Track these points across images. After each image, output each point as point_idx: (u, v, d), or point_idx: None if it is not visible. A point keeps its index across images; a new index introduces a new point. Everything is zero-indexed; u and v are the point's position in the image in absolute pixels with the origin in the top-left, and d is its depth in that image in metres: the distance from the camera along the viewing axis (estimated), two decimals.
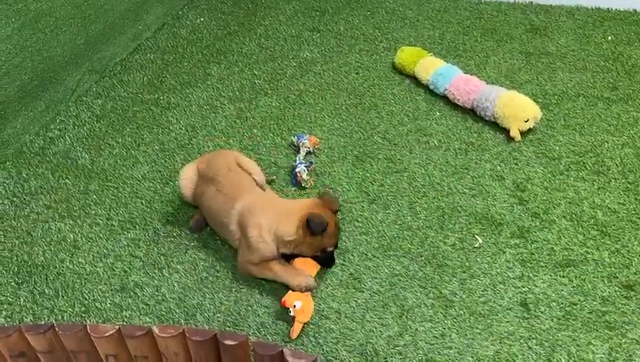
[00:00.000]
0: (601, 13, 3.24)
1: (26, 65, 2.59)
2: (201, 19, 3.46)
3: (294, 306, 1.80)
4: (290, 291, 1.86)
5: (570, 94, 2.71)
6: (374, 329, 1.84)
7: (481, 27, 3.21)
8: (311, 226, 1.85)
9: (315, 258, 1.96)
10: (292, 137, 2.52)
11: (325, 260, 1.97)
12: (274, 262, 1.94)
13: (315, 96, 2.83)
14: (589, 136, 2.49)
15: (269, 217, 1.92)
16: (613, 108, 2.62)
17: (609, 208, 2.17)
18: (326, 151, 2.50)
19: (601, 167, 2.34)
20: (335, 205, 1.98)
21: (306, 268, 1.94)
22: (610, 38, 3.05)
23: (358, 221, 2.19)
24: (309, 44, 3.19)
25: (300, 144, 2.44)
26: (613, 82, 2.76)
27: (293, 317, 1.81)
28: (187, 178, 2.14)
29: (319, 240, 1.90)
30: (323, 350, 1.79)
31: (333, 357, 1.77)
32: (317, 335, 1.83)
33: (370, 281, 1.98)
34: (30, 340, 1.56)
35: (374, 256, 2.06)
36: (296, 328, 1.81)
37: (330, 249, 1.95)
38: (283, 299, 1.83)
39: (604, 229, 2.10)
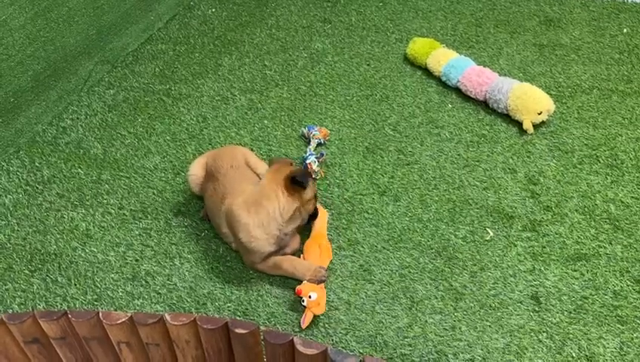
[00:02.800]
0: (616, 4, 3.19)
1: (38, 55, 2.60)
2: (213, 10, 3.46)
3: (310, 297, 1.80)
4: (305, 281, 1.87)
5: (584, 87, 2.68)
6: (384, 321, 1.84)
7: (495, 18, 3.18)
8: (299, 180, 1.84)
9: (312, 216, 1.99)
10: (303, 128, 2.51)
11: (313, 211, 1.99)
12: (282, 260, 1.93)
13: (326, 87, 2.82)
14: (603, 130, 2.46)
15: (253, 213, 1.87)
16: (628, 102, 2.59)
17: (622, 202, 2.15)
18: (336, 142, 2.50)
19: (615, 160, 2.32)
20: (286, 160, 2.00)
21: (317, 260, 1.94)
22: (625, 30, 3.01)
23: (368, 213, 2.19)
24: (321, 35, 3.18)
25: (311, 135, 2.44)
26: (627, 75, 2.73)
27: (305, 307, 1.82)
28: (194, 174, 2.15)
29: (310, 193, 1.91)
30: (333, 340, 1.80)
31: (342, 347, 1.78)
32: (327, 325, 1.84)
33: (380, 273, 1.98)
34: (43, 326, 1.58)
35: (384, 248, 2.06)
36: (308, 318, 1.82)
37: (313, 205, 1.97)
38: (298, 288, 1.83)
39: (617, 223, 2.08)
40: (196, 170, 2.15)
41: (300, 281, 1.88)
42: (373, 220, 2.16)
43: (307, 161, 2.32)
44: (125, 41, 3.10)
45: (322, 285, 1.87)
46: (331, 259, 2.00)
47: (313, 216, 2.01)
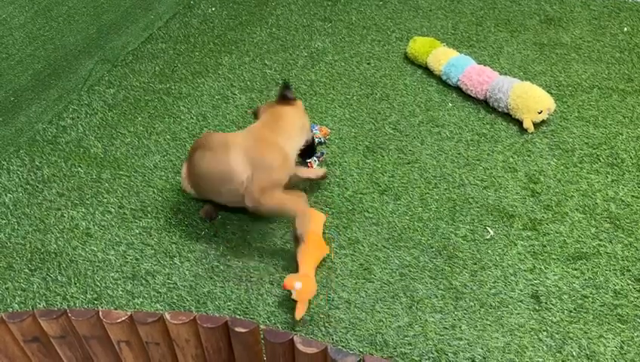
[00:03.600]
0: (617, 3, 3.19)
1: (39, 54, 2.60)
2: (213, 9, 3.46)
3: (295, 287, 1.80)
4: (289, 274, 1.86)
5: (584, 86, 2.68)
6: (384, 320, 1.84)
7: (495, 17, 3.18)
8: (287, 95, 2.07)
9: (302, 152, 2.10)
10: None
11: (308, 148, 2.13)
12: (287, 194, 1.97)
13: (326, 86, 2.82)
14: (603, 128, 2.46)
15: (271, 141, 1.99)
16: (628, 100, 2.58)
17: (622, 201, 2.15)
18: (337, 141, 2.49)
19: (615, 159, 2.32)
20: (268, 102, 2.17)
21: (311, 256, 1.93)
22: (626, 29, 3.01)
23: (368, 212, 2.19)
24: (321, 34, 3.17)
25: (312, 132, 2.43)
26: (628, 74, 2.73)
27: (295, 301, 1.81)
28: (184, 174, 2.14)
29: (298, 106, 2.11)
30: (333, 339, 1.80)
31: (342, 346, 1.78)
32: (327, 324, 1.84)
33: (380, 272, 1.98)
34: (43, 325, 1.58)
35: (385, 247, 2.06)
36: (299, 308, 1.80)
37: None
38: (284, 282, 1.83)
39: (618, 222, 2.08)
40: (184, 170, 2.14)
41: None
42: (373, 219, 2.16)
43: (307, 160, 2.32)
44: (125, 39, 3.10)
45: (309, 274, 1.85)
46: (327, 253, 1.99)
47: (307, 150, 2.15)
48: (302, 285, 1.81)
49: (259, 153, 1.94)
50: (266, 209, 1.97)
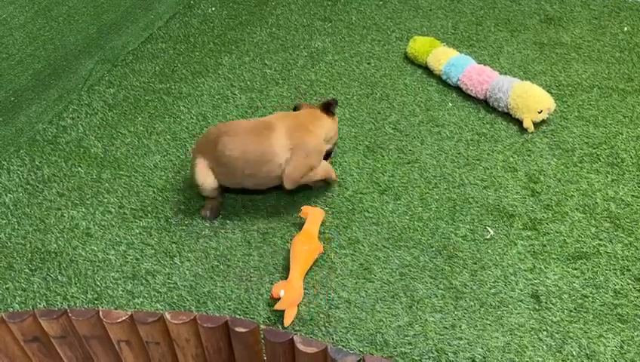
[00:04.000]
0: (617, 3, 3.19)
1: (39, 54, 2.60)
2: (213, 9, 3.46)
3: (280, 295, 1.82)
4: (277, 282, 1.89)
5: (584, 85, 2.68)
6: (384, 319, 1.85)
7: (495, 17, 3.18)
8: (331, 110, 2.22)
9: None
10: None
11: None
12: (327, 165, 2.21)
13: (326, 86, 2.82)
14: (604, 128, 2.46)
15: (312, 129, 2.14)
16: (629, 100, 2.59)
17: (623, 200, 2.15)
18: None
19: (615, 159, 2.32)
20: (332, 107, 2.24)
21: (299, 259, 1.94)
22: (626, 28, 3.01)
23: (368, 211, 2.19)
24: (321, 34, 3.18)
25: None
26: (628, 73, 2.73)
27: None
28: (200, 166, 2.10)
29: (334, 126, 2.24)
30: (333, 339, 1.80)
31: (342, 345, 1.78)
32: (327, 324, 1.84)
33: (380, 271, 1.98)
34: (44, 325, 1.58)
35: (385, 247, 2.06)
36: (287, 315, 1.81)
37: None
38: (271, 292, 1.86)
39: (618, 222, 2.08)
40: (201, 163, 2.11)
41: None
42: (373, 219, 2.16)
43: None
44: (125, 39, 3.10)
45: (290, 279, 1.86)
46: (321, 252, 2.00)
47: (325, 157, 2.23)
48: (285, 292, 1.82)
49: (301, 137, 2.07)
50: (299, 184, 2.14)
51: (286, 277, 1.93)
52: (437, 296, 1.90)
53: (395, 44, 3.05)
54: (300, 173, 2.08)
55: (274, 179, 2.10)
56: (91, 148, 2.56)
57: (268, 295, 1.93)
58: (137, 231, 2.18)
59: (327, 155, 2.30)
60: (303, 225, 2.08)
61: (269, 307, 1.90)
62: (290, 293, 1.83)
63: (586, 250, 2.00)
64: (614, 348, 1.73)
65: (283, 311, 1.84)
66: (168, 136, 2.59)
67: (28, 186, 2.40)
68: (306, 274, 1.97)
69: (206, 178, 2.11)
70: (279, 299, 1.82)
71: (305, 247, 1.95)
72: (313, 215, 2.07)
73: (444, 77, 2.73)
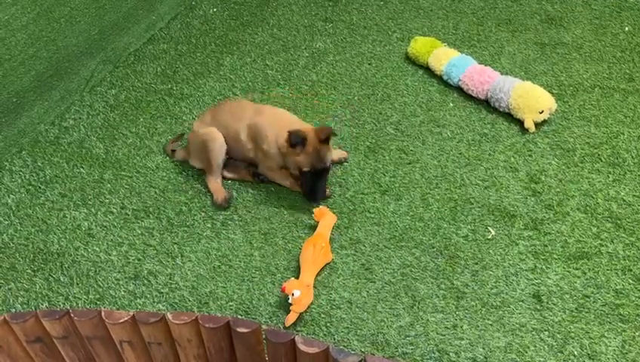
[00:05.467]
0: (617, 3, 3.18)
1: (41, 55, 2.61)
2: (214, 10, 3.46)
3: (293, 294, 1.80)
4: (292, 278, 1.87)
5: (585, 85, 2.68)
6: (386, 320, 1.85)
7: (496, 17, 3.18)
8: (290, 138, 2.09)
9: (301, 186, 2.19)
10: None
11: (308, 186, 2.15)
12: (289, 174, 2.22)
13: (327, 86, 2.82)
14: (605, 128, 2.46)
15: (275, 131, 2.18)
16: (630, 100, 2.58)
17: (624, 200, 2.15)
18: (338, 142, 2.50)
19: (617, 158, 2.32)
20: (322, 133, 2.10)
21: (308, 260, 1.93)
22: (627, 28, 3.01)
23: (370, 212, 2.19)
24: (322, 35, 3.18)
25: None
26: (629, 73, 2.73)
27: (291, 305, 1.82)
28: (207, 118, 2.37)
29: (297, 154, 2.10)
30: (334, 339, 1.80)
31: (344, 346, 1.78)
32: (328, 324, 1.84)
33: (381, 272, 1.99)
34: (46, 326, 1.59)
35: (386, 247, 2.06)
36: (291, 317, 1.81)
37: (305, 169, 2.11)
38: (283, 285, 1.83)
39: (619, 222, 2.08)
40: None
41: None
42: (374, 219, 2.16)
43: None
44: (127, 40, 3.10)
45: (309, 285, 1.86)
46: (330, 261, 2.00)
47: (309, 191, 2.17)
48: (300, 294, 1.80)
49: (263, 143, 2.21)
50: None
51: (290, 278, 1.93)
52: (438, 296, 1.90)
53: (396, 44, 3.05)
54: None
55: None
56: (93, 148, 2.57)
57: (270, 295, 1.93)
58: (139, 231, 2.19)
59: (323, 171, 2.16)
60: (304, 225, 2.08)
61: (271, 307, 1.90)
62: (306, 296, 1.82)
63: (587, 250, 2.00)
64: (616, 348, 1.73)
65: (285, 311, 1.84)
66: (170, 137, 2.59)
67: (30, 187, 2.41)
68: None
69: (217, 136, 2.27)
70: (285, 294, 1.81)
71: (318, 251, 1.95)
72: (326, 219, 2.06)
73: (445, 77, 2.73)
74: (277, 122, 2.24)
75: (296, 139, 2.08)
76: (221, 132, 2.30)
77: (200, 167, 2.37)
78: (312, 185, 2.15)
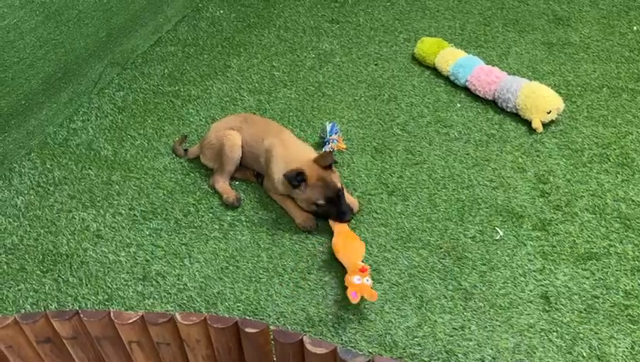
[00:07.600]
0: (625, 2, 3.17)
1: (49, 58, 2.63)
2: (221, 12, 3.47)
3: (367, 280, 1.80)
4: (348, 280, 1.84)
5: (593, 85, 2.67)
6: (393, 320, 1.85)
7: (503, 17, 3.17)
8: (288, 180, 2.05)
9: (316, 214, 2.11)
10: (326, 123, 2.47)
11: (327, 213, 2.07)
12: (289, 198, 2.17)
13: (334, 87, 2.82)
14: (613, 128, 2.45)
15: (281, 165, 2.14)
16: (638, 100, 2.57)
17: (633, 201, 2.14)
18: (345, 142, 2.50)
19: (625, 159, 2.31)
20: (323, 161, 2.07)
21: (356, 253, 1.93)
22: (635, 28, 2.99)
23: (377, 213, 2.19)
24: (328, 36, 3.18)
25: (329, 138, 2.39)
26: (638, 73, 2.71)
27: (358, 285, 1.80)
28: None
29: (304, 193, 2.07)
30: (342, 340, 1.80)
31: (352, 346, 1.78)
32: (336, 325, 1.84)
33: (389, 273, 1.98)
34: (56, 326, 1.60)
35: (393, 248, 2.06)
36: (359, 296, 1.77)
37: (320, 202, 2.05)
38: (363, 266, 1.84)
39: (628, 222, 2.07)
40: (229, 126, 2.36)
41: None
42: (381, 220, 2.16)
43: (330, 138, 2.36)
44: (135, 43, 3.12)
45: (359, 268, 1.84)
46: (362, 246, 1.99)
47: (335, 216, 2.07)
48: (363, 293, 1.77)
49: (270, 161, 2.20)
50: None
51: (294, 278, 1.93)
52: (446, 297, 1.90)
53: (402, 45, 3.05)
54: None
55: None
56: (101, 150, 2.58)
57: (277, 296, 1.94)
58: (147, 232, 2.20)
59: (338, 194, 2.08)
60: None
61: (278, 308, 1.90)
62: (366, 291, 1.80)
63: (596, 250, 1.99)
64: (625, 349, 1.72)
65: (293, 312, 1.84)
66: (177, 139, 2.60)
67: (39, 189, 2.43)
68: (312, 275, 1.98)
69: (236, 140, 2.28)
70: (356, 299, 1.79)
71: (352, 244, 1.95)
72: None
73: (452, 78, 2.73)
74: (285, 156, 2.16)
75: (293, 179, 2.03)
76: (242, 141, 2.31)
77: (211, 166, 2.37)
78: (338, 209, 2.05)
